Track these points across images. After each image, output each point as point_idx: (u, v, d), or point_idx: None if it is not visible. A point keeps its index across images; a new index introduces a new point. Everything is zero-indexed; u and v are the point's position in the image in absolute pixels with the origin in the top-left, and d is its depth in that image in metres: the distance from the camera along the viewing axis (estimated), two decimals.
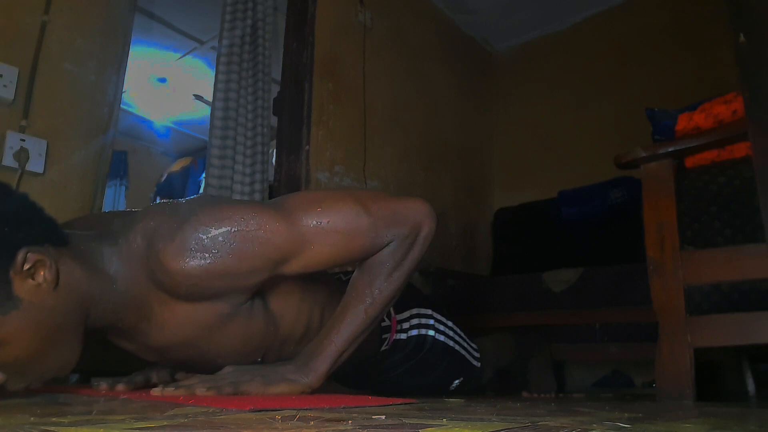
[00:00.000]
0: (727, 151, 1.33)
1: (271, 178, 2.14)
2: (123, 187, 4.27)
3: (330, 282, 1.13)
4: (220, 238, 0.80)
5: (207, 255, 0.79)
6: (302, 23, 2.20)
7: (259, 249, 0.82)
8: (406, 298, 1.23)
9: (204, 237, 0.79)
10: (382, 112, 2.50)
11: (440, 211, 2.78)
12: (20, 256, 0.72)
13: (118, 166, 4.13)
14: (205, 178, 2.03)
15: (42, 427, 0.44)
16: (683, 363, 1.15)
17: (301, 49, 2.18)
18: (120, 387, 0.96)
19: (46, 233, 0.78)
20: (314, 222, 0.86)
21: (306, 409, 0.64)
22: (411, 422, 0.53)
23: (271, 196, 2.05)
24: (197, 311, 0.85)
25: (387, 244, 0.94)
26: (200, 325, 0.87)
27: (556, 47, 3.26)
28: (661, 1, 2.88)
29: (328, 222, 0.87)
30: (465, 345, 1.36)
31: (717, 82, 1.89)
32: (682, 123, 1.38)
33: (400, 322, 1.25)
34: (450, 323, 1.34)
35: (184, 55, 3.55)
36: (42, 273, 0.74)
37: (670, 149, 1.28)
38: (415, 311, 1.29)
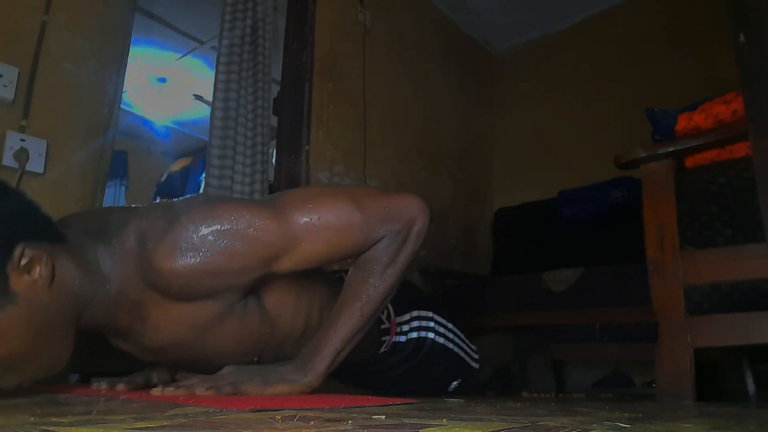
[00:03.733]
0: (727, 151, 1.33)
1: (271, 177, 2.14)
2: (123, 187, 4.27)
3: (329, 281, 1.12)
4: (210, 237, 0.79)
5: (197, 254, 0.79)
6: (302, 23, 2.20)
7: (249, 247, 0.82)
8: (405, 299, 1.22)
9: (194, 236, 0.79)
10: (381, 112, 2.50)
11: (440, 211, 2.78)
12: (17, 252, 0.72)
13: (118, 166, 4.13)
14: (205, 178, 2.03)
15: (42, 427, 0.44)
16: (683, 363, 1.15)
17: (301, 49, 2.18)
18: (120, 387, 0.96)
19: (43, 230, 0.78)
20: (305, 219, 0.86)
21: (306, 409, 0.64)
22: (411, 422, 0.53)
23: None
24: (191, 311, 0.85)
25: (380, 240, 0.93)
26: (194, 325, 0.87)
27: (556, 47, 3.26)
28: (662, 1, 2.88)
29: (319, 218, 0.87)
30: (464, 347, 1.35)
31: (717, 82, 1.89)
32: (682, 123, 1.39)
33: (400, 324, 1.25)
34: (450, 325, 1.33)
35: (184, 55, 3.55)
36: (38, 269, 0.74)
37: (670, 149, 1.28)
38: (415, 314, 1.28)
